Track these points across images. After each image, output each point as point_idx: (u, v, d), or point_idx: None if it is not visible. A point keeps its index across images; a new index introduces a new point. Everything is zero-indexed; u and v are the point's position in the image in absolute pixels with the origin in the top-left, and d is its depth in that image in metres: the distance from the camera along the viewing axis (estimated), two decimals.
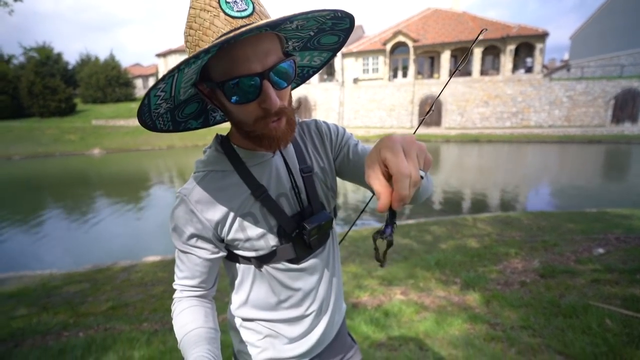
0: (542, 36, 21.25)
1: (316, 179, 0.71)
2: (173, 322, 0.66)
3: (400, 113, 23.79)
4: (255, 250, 0.66)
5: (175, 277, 0.69)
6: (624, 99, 19.10)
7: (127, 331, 2.33)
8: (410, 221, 5.28)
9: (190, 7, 0.52)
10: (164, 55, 42.21)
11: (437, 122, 23.24)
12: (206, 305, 0.69)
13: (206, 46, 0.45)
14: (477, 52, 22.49)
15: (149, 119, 0.58)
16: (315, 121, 0.76)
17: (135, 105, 30.58)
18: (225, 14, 0.50)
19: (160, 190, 10.60)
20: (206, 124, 0.74)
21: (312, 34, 0.61)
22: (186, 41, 0.55)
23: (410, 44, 22.93)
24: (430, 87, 22.32)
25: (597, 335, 1.82)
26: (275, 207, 0.65)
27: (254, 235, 0.65)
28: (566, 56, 33.15)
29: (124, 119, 27.04)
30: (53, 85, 27.21)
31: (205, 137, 23.56)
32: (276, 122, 0.57)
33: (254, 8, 0.52)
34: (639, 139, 16.32)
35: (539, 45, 21.43)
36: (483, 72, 23.28)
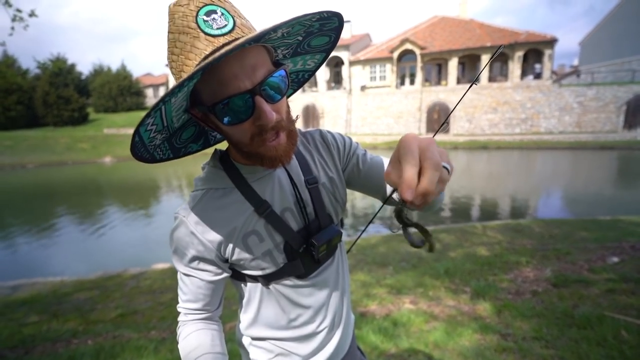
0: (551, 42, 21.11)
1: (323, 190, 0.68)
2: (179, 347, 0.64)
3: (407, 120, 23.75)
4: (262, 269, 0.63)
5: (179, 300, 0.66)
6: (636, 105, 18.75)
7: (135, 339, 2.34)
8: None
9: (168, 32, 0.49)
10: None
11: (445, 129, 23.10)
12: (212, 327, 0.66)
13: (190, 71, 0.43)
14: (485, 59, 22.42)
15: (146, 152, 0.56)
16: (320, 131, 0.73)
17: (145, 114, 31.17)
18: (205, 33, 0.47)
19: (168, 197, 10.73)
20: (207, 144, 0.71)
21: (300, 38, 0.57)
22: (170, 67, 0.52)
23: (417, 51, 23.00)
24: (437, 94, 22.28)
25: (613, 347, 1.77)
26: (280, 223, 0.62)
27: (259, 253, 0.62)
28: (576, 62, 32.79)
29: (134, 128, 27.60)
30: (66, 95, 28.03)
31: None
32: (275, 139, 0.54)
33: (234, 22, 0.49)
34: None
35: (547, 51, 21.28)
36: (491, 79, 23.17)
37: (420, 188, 0.34)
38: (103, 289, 3.68)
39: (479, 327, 2.13)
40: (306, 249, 0.64)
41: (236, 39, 0.48)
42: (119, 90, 32.77)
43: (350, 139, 0.75)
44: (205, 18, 0.47)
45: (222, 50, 0.41)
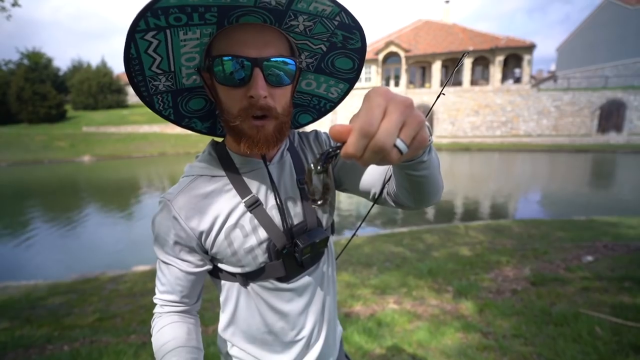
0: (530, 48, 21.85)
1: None
2: (152, 339, 0.61)
3: None
4: (242, 266, 0.61)
5: (156, 290, 0.64)
6: (609, 110, 19.66)
7: (113, 344, 2.26)
8: (403, 229, 5.29)
9: None
10: None
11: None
12: (189, 321, 0.64)
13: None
14: (467, 63, 22.98)
15: (144, 88, 0.54)
16: (316, 131, 0.73)
17: (127, 112, 30.41)
18: None
19: (148, 198, 10.46)
20: (212, 131, 0.70)
21: (324, 48, 0.58)
22: None
23: (402, 54, 23.34)
24: (422, 96, 22.64)
25: (588, 343, 1.84)
26: (266, 220, 0.60)
27: (241, 249, 0.60)
28: (553, 67, 34.06)
29: (115, 126, 26.80)
30: (43, 92, 26.95)
31: (197, 144, 23.44)
32: (260, 121, 0.52)
33: None
34: (624, 148, 16.76)
35: (526, 57, 22.02)
36: (473, 82, 23.77)
37: (355, 158, 0.30)
38: (80, 292, 3.54)
39: (462, 326, 2.17)
40: (290, 250, 0.61)
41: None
42: (99, 87, 31.76)
43: None
44: None
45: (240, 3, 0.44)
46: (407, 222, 6.22)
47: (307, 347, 0.69)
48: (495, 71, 22.33)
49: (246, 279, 0.63)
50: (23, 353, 2.24)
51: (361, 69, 0.63)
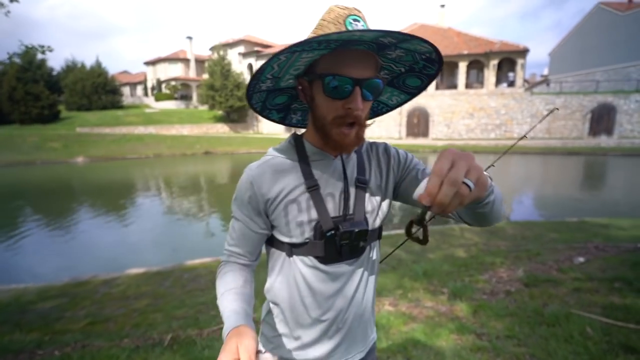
0: (523, 52, 22.13)
1: (368, 192, 0.75)
2: (217, 279, 0.74)
3: (388, 124, 24.17)
4: (290, 236, 0.71)
5: (226, 244, 0.77)
6: (599, 113, 19.97)
7: (106, 348, 2.24)
8: (399, 231, 5.31)
9: (321, 19, 0.65)
10: (152, 63, 41.97)
11: (425, 133, 23.69)
12: (247, 274, 0.76)
13: (336, 34, 0.54)
14: (462, 66, 23.21)
15: (252, 88, 0.68)
16: (385, 144, 0.82)
17: (121, 113, 30.16)
18: (347, 29, 0.61)
19: (143, 200, 10.37)
20: (283, 121, 0.85)
21: (403, 70, 0.71)
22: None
23: None
24: (417, 99, 22.79)
25: (579, 343, 1.86)
26: (320, 203, 0.70)
27: (293, 221, 0.70)
28: (546, 71, 34.54)
29: (109, 127, 26.54)
30: (36, 92, 26.53)
31: (193, 145, 23.33)
32: (348, 129, 0.65)
33: None
34: (615, 151, 17.02)
35: (520, 61, 22.29)
36: (468, 85, 23.98)
37: (437, 199, 0.42)
38: (71, 296, 3.49)
39: (456, 327, 2.19)
40: (333, 235, 0.70)
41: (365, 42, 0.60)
42: (93, 87, 31.41)
43: (412, 155, 0.82)
44: (352, 21, 0.63)
45: (350, 33, 0.54)
46: (403, 224, 6.24)
47: (328, 330, 0.75)
48: (490, 74, 22.58)
49: (292, 249, 0.73)
50: (12, 359, 2.20)
51: (425, 88, 0.74)
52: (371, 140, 0.82)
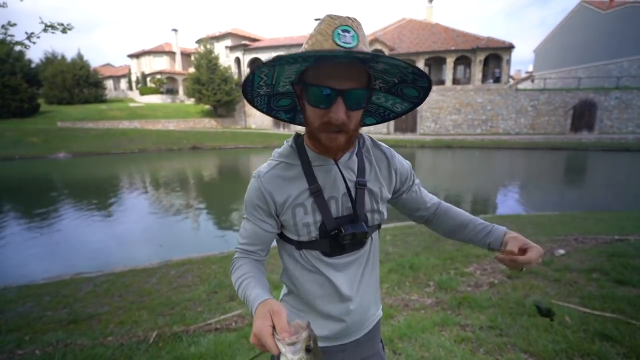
0: (509, 48, 22.47)
1: (367, 193, 0.82)
2: (233, 271, 0.80)
3: None
4: (298, 235, 0.79)
5: (237, 242, 0.85)
6: (581, 109, 20.52)
7: (89, 347, 2.19)
8: (388, 225, 5.36)
9: (314, 29, 0.69)
10: (136, 56, 40.82)
11: (413, 129, 23.89)
12: (260, 267, 0.83)
13: (306, 54, 0.59)
14: (450, 62, 23.42)
15: (250, 94, 0.74)
16: (391, 151, 0.90)
17: (105, 107, 29.31)
18: (333, 41, 0.65)
19: (127, 197, 10.15)
20: (292, 120, 0.90)
21: (396, 81, 0.74)
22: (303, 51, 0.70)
23: (386, 51, 23.51)
24: None
25: (558, 332, 1.92)
26: (323, 206, 0.77)
27: (300, 222, 0.78)
28: (530, 68, 35.19)
29: (92, 121, 25.76)
30: (14, 84, 25.49)
31: (181, 140, 22.92)
32: (335, 134, 0.69)
33: (357, 45, 0.66)
34: (595, 146, 17.57)
35: (505, 57, 22.64)
36: (455, 81, 24.24)
37: (532, 264, 0.78)
38: (53, 294, 3.41)
39: (441, 319, 2.23)
40: (336, 234, 0.77)
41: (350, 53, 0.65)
42: (75, 80, 30.38)
43: (412, 170, 0.93)
44: (340, 32, 0.65)
45: (329, 51, 0.62)
46: (391, 218, 6.30)
47: (337, 310, 0.84)
48: (476, 70, 22.86)
49: (300, 245, 0.81)
50: None
51: (425, 98, 0.77)
52: (379, 143, 0.89)
